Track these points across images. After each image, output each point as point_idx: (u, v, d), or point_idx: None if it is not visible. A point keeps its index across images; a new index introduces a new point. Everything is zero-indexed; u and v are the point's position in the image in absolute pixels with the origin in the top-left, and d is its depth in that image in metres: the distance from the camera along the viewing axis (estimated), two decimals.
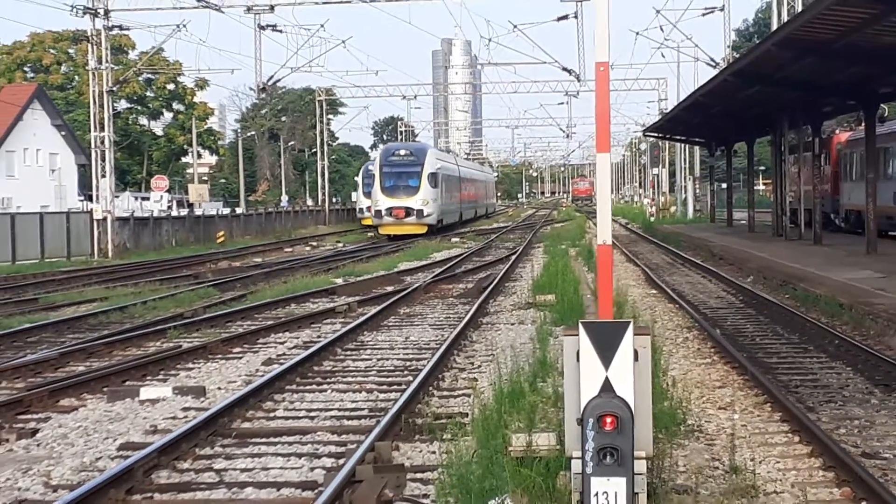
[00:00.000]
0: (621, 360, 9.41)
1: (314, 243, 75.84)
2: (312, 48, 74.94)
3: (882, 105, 41.74)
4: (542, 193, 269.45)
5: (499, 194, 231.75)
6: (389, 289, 34.05)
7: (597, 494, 9.19)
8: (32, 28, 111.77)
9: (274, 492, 11.78)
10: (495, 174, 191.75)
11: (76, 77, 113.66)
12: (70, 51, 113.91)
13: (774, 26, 49.05)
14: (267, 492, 11.78)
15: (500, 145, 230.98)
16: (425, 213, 74.04)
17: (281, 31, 68.15)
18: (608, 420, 9.20)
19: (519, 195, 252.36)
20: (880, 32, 27.60)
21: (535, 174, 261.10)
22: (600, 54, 10.23)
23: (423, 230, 73.51)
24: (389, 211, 73.76)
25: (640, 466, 9.39)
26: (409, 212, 73.68)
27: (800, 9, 49.01)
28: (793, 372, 18.39)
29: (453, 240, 71.87)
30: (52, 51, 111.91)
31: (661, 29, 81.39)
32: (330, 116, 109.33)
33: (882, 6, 24.01)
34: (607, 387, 9.40)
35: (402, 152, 79.27)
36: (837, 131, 58.25)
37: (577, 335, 9.57)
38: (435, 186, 76.93)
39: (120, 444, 14.17)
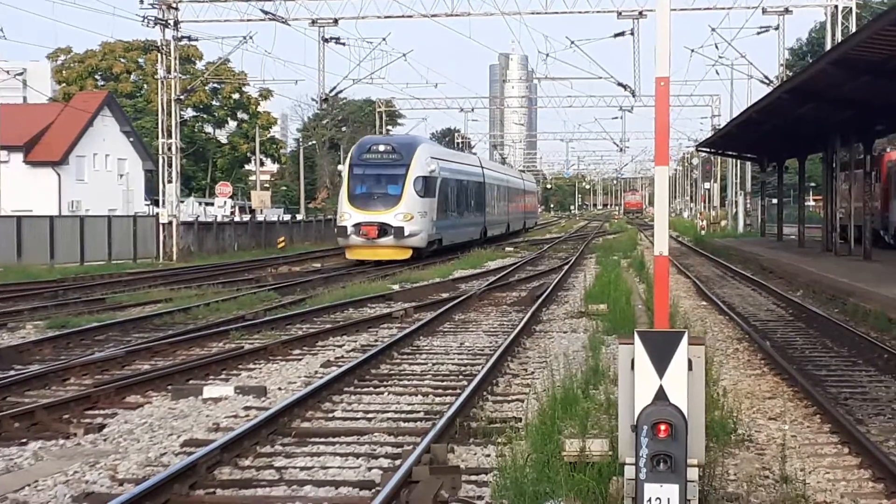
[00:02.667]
0: (675, 369, 9.36)
1: None
2: (374, 60, 74.98)
3: None
4: (595, 205, 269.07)
5: (552, 205, 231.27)
6: (445, 295, 34.01)
7: (650, 500, 9.14)
8: (104, 37, 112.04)
9: (332, 490, 11.75)
10: (537, 183, 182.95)
11: (145, 85, 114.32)
12: (140, 60, 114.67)
13: (828, 46, 48.77)
14: (325, 490, 11.76)
15: (554, 157, 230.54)
16: (407, 233, 50.07)
17: (344, 44, 68.24)
18: (662, 427, 9.14)
19: (572, 207, 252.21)
20: None
21: (587, 186, 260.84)
22: (661, 70, 10.17)
23: (405, 255, 51.32)
24: (358, 228, 50.07)
25: (693, 474, 9.34)
26: (383, 230, 49.83)
27: (854, 29, 48.74)
28: (842, 384, 18.26)
29: (507, 249, 71.13)
30: (122, 60, 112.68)
31: (716, 46, 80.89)
32: (389, 127, 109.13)
33: None
34: (661, 395, 9.34)
35: (382, 148, 54.10)
36: (889, 149, 57.85)
37: (633, 344, 9.52)
38: (426, 195, 52.42)
39: (183, 441, 14.21)
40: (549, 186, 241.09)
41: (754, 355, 21.60)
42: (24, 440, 14.44)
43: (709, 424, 10.23)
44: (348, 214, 51.05)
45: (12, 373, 19.44)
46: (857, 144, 48.36)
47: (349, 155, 56.74)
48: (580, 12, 55.64)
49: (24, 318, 28.31)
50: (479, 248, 69.00)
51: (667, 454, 9.12)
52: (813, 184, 71.01)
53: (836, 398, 16.60)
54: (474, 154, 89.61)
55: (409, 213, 50.42)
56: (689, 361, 9.43)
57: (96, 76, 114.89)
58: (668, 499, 9.11)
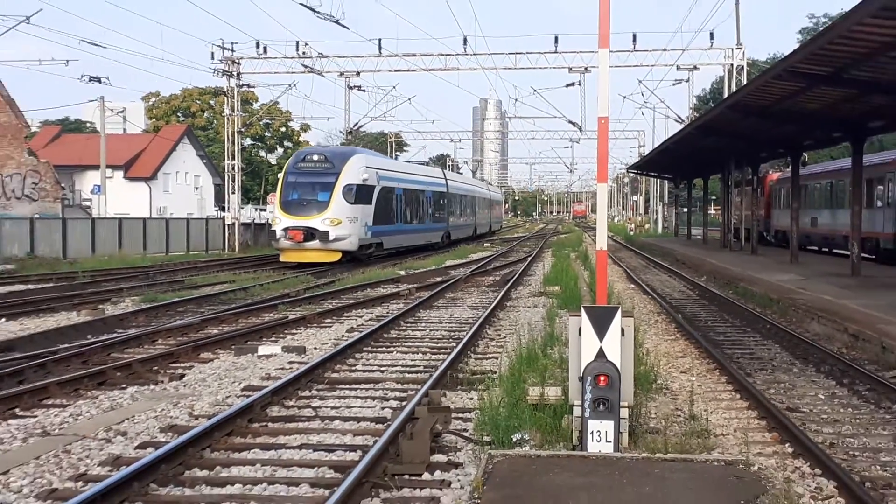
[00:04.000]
0: (612, 335, 9.47)
1: None
2: (386, 103, 75.41)
3: (804, 153, 41.70)
4: (551, 212, 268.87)
5: (519, 212, 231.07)
6: (439, 279, 34.01)
7: (592, 433, 9.24)
8: (184, 84, 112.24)
9: (355, 424, 11.90)
10: (505, 195, 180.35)
11: (214, 121, 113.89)
12: (211, 102, 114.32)
13: (726, 94, 48.79)
14: (350, 424, 11.91)
15: (521, 176, 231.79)
16: (333, 237, 42.08)
17: (364, 90, 68.15)
18: (602, 378, 9.27)
19: (534, 213, 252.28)
20: (805, 101, 27.48)
21: (545, 198, 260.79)
22: (602, 111, 10.23)
23: (334, 258, 43.05)
24: (286, 232, 42.61)
25: (624, 413, 9.48)
26: (310, 234, 42.09)
27: (745, 82, 48.82)
28: (735, 347, 18.37)
29: (485, 244, 71.10)
30: (197, 101, 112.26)
31: (642, 94, 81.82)
32: (397, 153, 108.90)
33: (806, 81, 23.89)
34: (601, 354, 9.45)
35: (316, 157, 46.22)
36: (770, 172, 58.17)
37: (580, 316, 9.65)
38: (357, 202, 44.11)
39: (243, 387, 14.30)
40: (517, 198, 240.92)
41: (670, 325, 21.71)
42: (124, 386, 14.53)
43: (636, 376, 10.28)
44: (279, 219, 43.24)
45: (115, 335, 19.50)
46: (747, 168, 48.62)
47: (286, 164, 48.41)
48: (541, 68, 55.87)
49: (124, 295, 28.33)
50: (446, 250, 68.70)
51: (605, 398, 9.24)
52: (714, 197, 71.29)
53: (730, 357, 16.70)
54: (437, 167, 77.29)
55: (337, 219, 42.24)
56: (622, 329, 9.54)
57: (178, 113, 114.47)
58: (606, 432, 9.21)
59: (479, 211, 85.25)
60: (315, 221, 41.74)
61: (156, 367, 15.91)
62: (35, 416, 12.46)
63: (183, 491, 9.23)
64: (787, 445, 10.76)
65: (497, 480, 8.03)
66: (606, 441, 9.17)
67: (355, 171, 44.42)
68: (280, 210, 43.28)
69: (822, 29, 29.53)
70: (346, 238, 42.41)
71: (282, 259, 43.05)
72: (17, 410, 12.79)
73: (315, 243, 41.47)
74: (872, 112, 27.91)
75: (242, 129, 65.10)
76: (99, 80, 51.50)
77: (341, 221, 42.03)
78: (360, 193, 44.14)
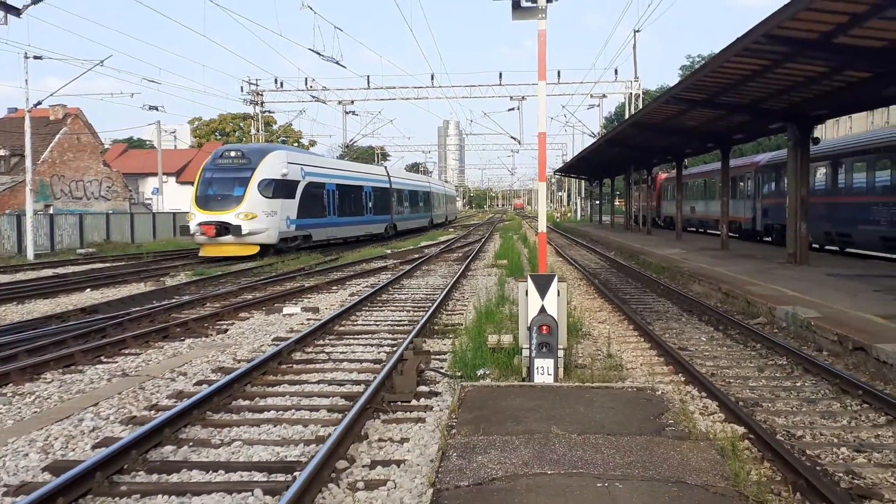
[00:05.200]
0: (551, 295, 9.45)
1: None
2: (374, 124, 75.59)
3: (685, 159, 41.92)
4: (497, 205, 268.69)
5: (473, 205, 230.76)
6: (416, 256, 33.92)
7: (537, 368, 9.23)
8: (220, 110, 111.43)
9: (358, 364, 11.85)
10: (460, 192, 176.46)
11: (243, 138, 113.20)
12: (241, 124, 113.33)
13: (627, 115, 48.99)
14: (355, 364, 11.86)
15: (475, 178, 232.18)
16: (247, 231, 33.90)
17: (357, 114, 68.15)
18: (544, 328, 9.24)
19: (485, 206, 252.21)
20: (686, 119, 27.64)
21: (493, 194, 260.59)
22: (541, 127, 10.20)
23: (251, 251, 34.31)
24: (200, 227, 34.22)
25: (561, 353, 9.46)
26: (223, 228, 33.88)
27: (641, 105, 49.00)
28: (638, 303, 18.41)
29: (449, 229, 70.87)
30: (231, 123, 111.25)
31: (564, 116, 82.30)
32: (383, 162, 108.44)
33: (687, 105, 24.01)
34: (543, 310, 9.44)
35: (233, 154, 37.28)
36: (660, 172, 58.45)
37: (527, 281, 9.61)
38: (276, 196, 35.72)
39: (273, 338, 14.20)
40: (472, 195, 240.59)
41: (590, 288, 21.73)
42: (183, 338, 14.39)
43: (568, 326, 10.27)
44: (193, 215, 34.01)
45: (174, 300, 19.33)
46: (643, 170, 48.77)
47: (205, 161, 37.57)
48: (489, 97, 56.05)
49: (179, 270, 28.08)
50: (434, 229, 68.66)
51: (547, 343, 9.22)
52: (618, 192, 71.44)
53: (635, 311, 16.74)
54: (381, 167, 63.27)
55: (251, 213, 33.43)
56: (558, 291, 9.52)
57: (216, 133, 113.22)
58: (548, 367, 9.21)
59: (435, 205, 75.66)
60: (228, 216, 33.31)
61: (206, 324, 15.81)
62: (116, 362, 12.36)
63: (231, 416, 9.19)
64: (680, 375, 10.82)
65: (468, 404, 8.03)
66: (548, 374, 9.19)
67: (273, 166, 35.56)
68: (194, 205, 34.24)
69: (698, 66, 29.68)
70: (262, 231, 33.89)
71: (201, 254, 34.01)
72: (102, 358, 12.69)
73: (229, 238, 33.18)
74: (735, 127, 28.14)
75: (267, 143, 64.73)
76: (156, 108, 51.01)
77: (256, 215, 33.59)
78: (279, 188, 35.50)
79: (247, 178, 34.22)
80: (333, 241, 42.50)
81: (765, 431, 8.03)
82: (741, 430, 8.27)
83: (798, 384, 10.51)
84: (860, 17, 13.80)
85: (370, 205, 49.63)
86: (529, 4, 9.82)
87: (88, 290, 22.49)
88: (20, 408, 9.64)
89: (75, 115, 58.06)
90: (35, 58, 36.25)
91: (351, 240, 45.75)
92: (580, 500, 5.42)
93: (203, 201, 33.95)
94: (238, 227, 32.90)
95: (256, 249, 33.51)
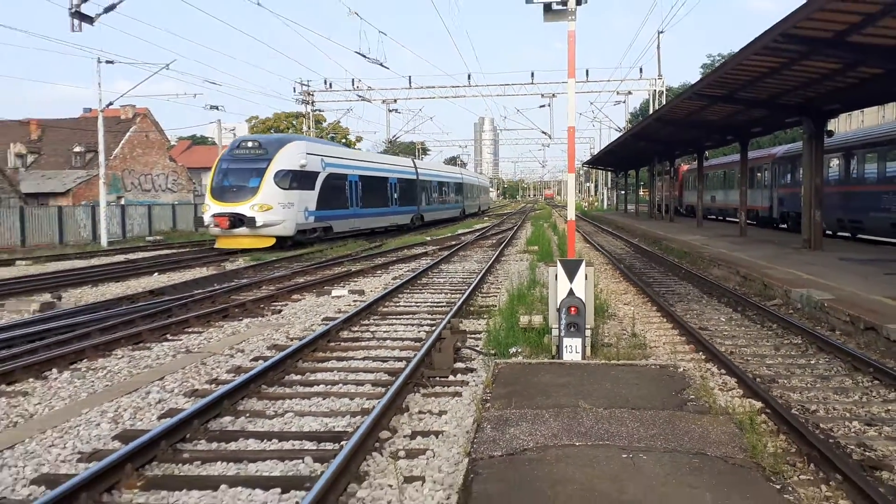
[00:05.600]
0: (579, 279, 9.35)
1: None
2: (415, 120, 75.56)
3: (706, 151, 41.40)
4: (529, 196, 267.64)
5: (507, 195, 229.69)
6: (454, 243, 33.89)
7: (566, 347, 9.14)
8: (275, 109, 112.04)
9: (400, 342, 11.82)
10: (493, 183, 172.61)
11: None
12: (293, 122, 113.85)
13: (651, 111, 48.45)
14: (397, 342, 11.83)
15: (508, 171, 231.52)
16: (261, 222, 30.81)
17: (399, 112, 68.10)
18: (572, 309, 9.15)
19: (517, 196, 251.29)
20: (707, 114, 27.27)
21: (525, 185, 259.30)
22: (570, 121, 10.08)
23: (267, 243, 31.28)
24: (213, 219, 31.22)
25: (588, 333, 9.35)
26: (238, 220, 30.91)
27: (664, 102, 48.45)
28: (661, 286, 18.22)
29: (484, 218, 70.54)
30: (284, 122, 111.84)
31: (592, 112, 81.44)
32: (423, 156, 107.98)
33: (708, 101, 23.66)
34: (571, 293, 9.34)
35: (250, 144, 33.97)
36: (682, 164, 57.79)
37: (556, 266, 9.52)
38: (293, 188, 32.49)
39: (322, 318, 14.26)
40: (505, 186, 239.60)
41: (615, 272, 21.56)
42: (241, 318, 14.50)
43: (595, 308, 10.17)
44: (208, 206, 30.91)
45: (233, 283, 19.48)
46: (666, 162, 48.25)
47: (222, 152, 34.48)
48: (521, 95, 55.70)
49: (238, 256, 28.31)
50: (471, 218, 68.28)
51: (575, 323, 9.13)
52: (643, 182, 70.59)
53: (658, 293, 16.56)
54: (408, 158, 57.14)
55: (267, 205, 30.23)
56: (585, 275, 9.42)
57: (271, 131, 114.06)
58: (576, 346, 9.12)
59: (467, 195, 70.92)
60: (243, 208, 30.23)
61: (262, 305, 15.91)
62: (180, 340, 12.47)
63: (284, 390, 9.22)
64: (700, 354, 10.68)
65: (502, 380, 7.98)
66: (576, 352, 9.10)
67: (291, 157, 32.25)
68: (210, 197, 31.19)
69: (718, 64, 29.22)
70: (278, 223, 30.63)
71: (217, 246, 31.04)
72: (167, 336, 12.81)
73: (243, 230, 30.05)
74: (754, 121, 27.70)
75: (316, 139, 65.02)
76: (216, 108, 51.21)
77: (272, 207, 30.43)
78: (297, 179, 32.17)
79: (263, 169, 31.18)
80: (357, 232, 38.98)
81: (780, 406, 7.89)
82: (758, 404, 8.13)
83: (812, 362, 10.33)
84: (873, 16, 13.48)
85: (395, 196, 46.00)
86: (560, 7, 9.69)
87: (156, 274, 22.74)
88: (93, 381, 9.76)
89: (144, 114, 58.73)
90: (107, 62, 36.70)
91: (379, 230, 42.84)
92: (606, 470, 5.35)
93: (218, 192, 31.03)
94: (252, 219, 29.97)
95: (272, 242, 30.55)
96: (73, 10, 20.26)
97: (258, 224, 29.98)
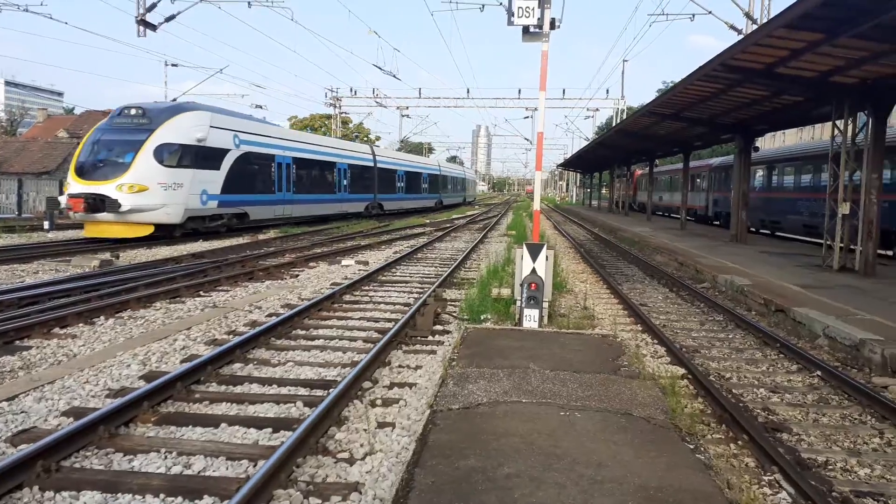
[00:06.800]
0: (541, 259, 9.02)
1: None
2: (423, 125, 74.54)
3: (656, 160, 40.89)
4: (514, 190, 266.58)
5: (495, 190, 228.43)
6: (448, 226, 33.53)
7: (526, 316, 8.82)
8: (310, 111, 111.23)
9: (392, 306, 11.43)
10: (481, 178, 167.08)
11: (327, 134, 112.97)
12: (326, 122, 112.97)
13: (614, 124, 47.90)
14: (389, 305, 11.46)
15: (500, 170, 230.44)
16: (129, 206, 19.19)
17: (410, 117, 67.36)
18: (533, 285, 8.83)
19: (504, 190, 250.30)
20: (658, 129, 26.79)
21: (511, 182, 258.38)
22: (539, 127, 9.65)
23: (141, 231, 20.18)
24: (69, 200, 19.26)
25: (545, 305, 9.02)
26: (96, 202, 19.06)
27: (625, 117, 47.93)
28: (613, 269, 17.88)
29: (476, 206, 69.98)
30: (319, 121, 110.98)
31: (566, 124, 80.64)
32: (430, 154, 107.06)
33: (659, 118, 23.24)
34: (534, 271, 9.00)
35: (132, 112, 20.47)
36: (636, 169, 57.33)
37: (523, 248, 9.17)
38: (180, 165, 20.43)
39: (330, 283, 13.86)
40: (495, 181, 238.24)
41: (576, 255, 21.23)
42: (263, 280, 14.15)
43: (554, 284, 9.84)
44: (70, 184, 20.54)
45: (262, 251, 19.10)
46: (624, 167, 47.81)
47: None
48: (510, 107, 55.00)
49: (269, 229, 27.91)
50: (465, 205, 67.51)
51: (534, 296, 8.81)
52: (605, 182, 69.92)
53: (610, 274, 16.22)
54: (366, 145, 43.57)
55: (139, 185, 20.13)
56: (546, 256, 9.09)
57: (308, 129, 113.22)
58: (534, 315, 8.80)
59: (448, 187, 60.80)
60: (107, 188, 19.99)
61: (282, 270, 15.55)
62: (210, 296, 12.13)
63: (289, 342, 8.88)
64: (638, 326, 10.36)
65: (469, 342, 7.67)
66: (534, 321, 8.78)
67: (183, 129, 21.87)
68: (72, 173, 20.75)
69: (668, 87, 28.78)
70: (156, 208, 20.69)
71: (85, 234, 21.11)
72: (200, 292, 12.47)
73: (105, 215, 20.07)
74: (696, 136, 27.29)
75: (342, 139, 64.46)
76: (261, 107, 50.76)
77: (147, 188, 20.38)
78: (191, 155, 22.07)
79: (141, 142, 20.82)
80: (290, 220, 29.61)
81: (700, 373, 7.58)
82: (681, 371, 7.83)
83: (730, 336, 10.02)
84: (798, 51, 13.04)
85: (345, 183, 35.44)
86: (536, 30, 9.28)
87: (201, 240, 22.36)
88: (131, 328, 9.43)
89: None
90: (172, 65, 36.15)
91: (338, 216, 34.60)
92: (545, 426, 5.03)
93: (81, 168, 20.70)
94: (115, 202, 19.94)
95: (149, 230, 20.84)
96: (139, 19, 19.71)
97: (124, 208, 20.06)
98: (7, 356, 7.82)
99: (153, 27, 20.20)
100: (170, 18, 20.32)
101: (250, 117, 27.67)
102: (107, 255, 16.96)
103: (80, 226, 24.23)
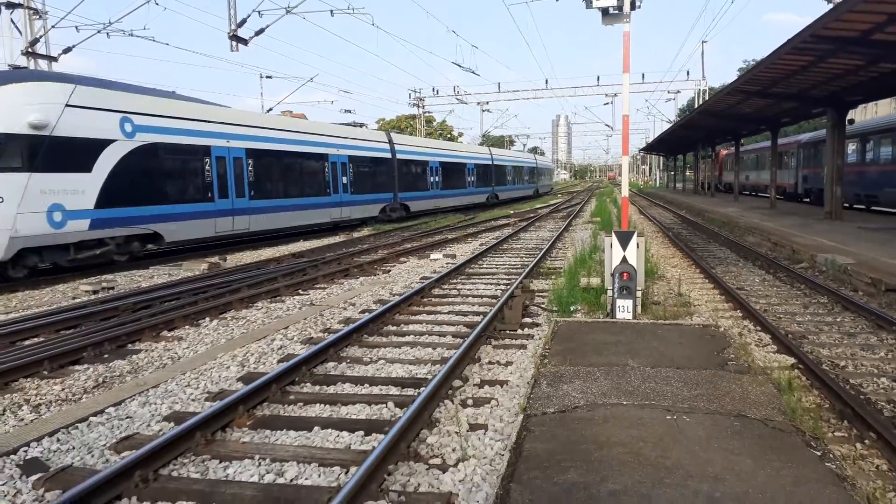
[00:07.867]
0: (631, 247, 8.31)
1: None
2: (503, 118, 73.22)
3: (742, 138, 38.64)
4: (595, 177, 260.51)
5: (577, 177, 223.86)
6: (531, 216, 32.74)
7: (619, 307, 8.14)
8: (397, 112, 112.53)
9: (479, 299, 10.92)
10: (559, 166, 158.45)
11: (414, 134, 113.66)
12: (411, 122, 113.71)
13: (696, 105, 45.65)
14: (477, 298, 10.95)
15: (581, 158, 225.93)
16: None
17: (490, 112, 67.01)
18: (625, 275, 8.13)
19: (586, 177, 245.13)
20: (743, 108, 25.11)
21: (593, 169, 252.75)
22: (624, 110, 8.92)
23: None
24: None
25: (639, 294, 8.32)
26: None
27: (707, 98, 45.57)
28: (704, 252, 16.74)
29: (558, 195, 68.46)
30: (405, 122, 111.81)
31: (647, 107, 77.67)
32: (510, 147, 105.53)
33: (744, 96, 21.71)
34: (624, 260, 8.31)
35: None
36: (721, 149, 54.60)
37: (612, 236, 8.48)
38: (8, 168, 9.60)
39: (420, 277, 13.53)
40: (576, 169, 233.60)
41: (665, 239, 20.10)
42: (357, 276, 13.95)
43: (645, 271, 9.10)
44: None
45: (356, 248, 19.04)
46: (708, 148, 45.57)
47: None
48: (589, 95, 53.96)
49: (364, 227, 27.98)
50: (549, 195, 66.06)
51: (627, 287, 8.12)
52: (689, 164, 67.07)
53: (701, 258, 15.14)
54: (382, 132, 30.36)
55: None
56: (637, 244, 8.37)
57: (395, 129, 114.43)
58: (627, 306, 8.11)
59: (508, 178, 49.01)
60: None
61: (375, 266, 15.32)
62: (308, 294, 12.00)
63: (381, 339, 8.54)
64: (738, 312, 9.46)
65: (560, 336, 7.08)
66: (628, 312, 8.09)
67: (12, 110, 12.81)
68: None
69: (750, 66, 26.87)
70: None
71: None
72: (299, 291, 12.38)
73: None
74: (783, 113, 25.44)
75: (426, 138, 64.36)
76: (349, 111, 51.13)
77: None
78: (21, 151, 12.91)
79: None
80: (249, 237, 21.02)
81: (812, 362, 6.72)
82: (791, 360, 6.97)
83: (838, 319, 8.98)
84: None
85: (344, 181, 25.46)
86: (615, 11, 8.53)
87: (301, 240, 22.56)
88: (233, 329, 9.34)
89: (301, 116, 59.23)
90: (267, 77, 36.80)
91: (306, 230, 24.09)
92: (651, 432, 4.41)
93: None
94: None
95: None
96: (231, 34, 19.97)
97: None
98: (118, 360, 7.82)
99: (244, 41, 20.42)
100: (259, 32, 20.50)
101: (173, 94, 18.49)
102: (215, 258, 17.26)
103: None
